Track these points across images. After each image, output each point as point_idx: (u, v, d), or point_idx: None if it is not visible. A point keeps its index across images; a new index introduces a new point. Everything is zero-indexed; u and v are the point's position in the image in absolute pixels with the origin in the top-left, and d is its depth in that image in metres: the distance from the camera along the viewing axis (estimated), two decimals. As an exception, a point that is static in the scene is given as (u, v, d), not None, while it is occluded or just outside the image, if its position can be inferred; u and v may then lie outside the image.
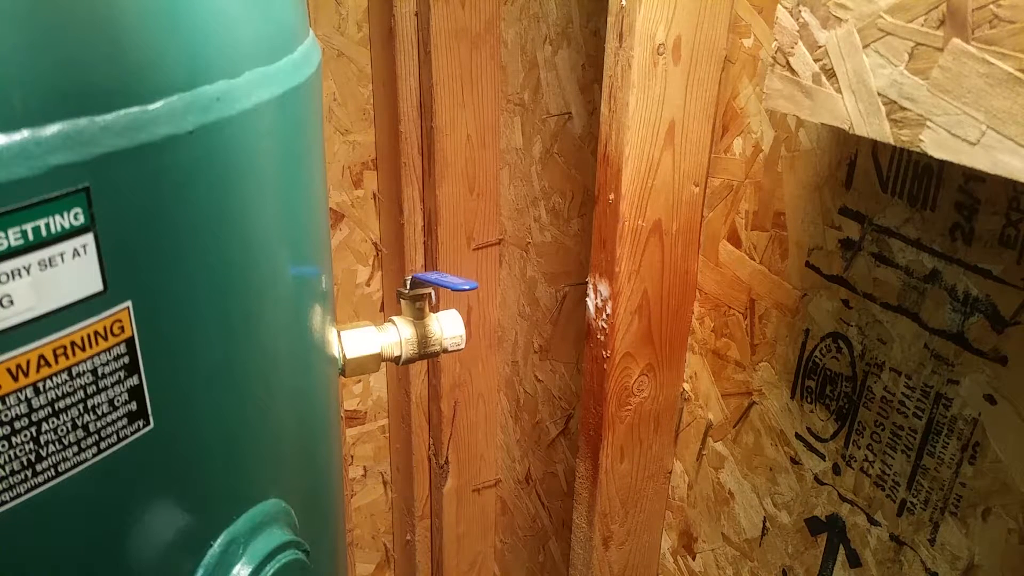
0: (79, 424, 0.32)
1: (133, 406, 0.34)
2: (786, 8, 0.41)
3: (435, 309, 0.61)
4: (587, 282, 0.69)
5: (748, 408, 0.67)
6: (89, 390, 0.32)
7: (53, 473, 0.32)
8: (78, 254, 0.30)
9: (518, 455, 1.10)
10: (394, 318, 0.60)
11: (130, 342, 0.33)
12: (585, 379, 0.73)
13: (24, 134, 0.28)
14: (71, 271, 0.30)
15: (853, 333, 0.56)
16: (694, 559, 0.77)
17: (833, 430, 0.59)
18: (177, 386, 0.36)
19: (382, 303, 1.19)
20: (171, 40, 0.32)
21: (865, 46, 0.37)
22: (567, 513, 1.00)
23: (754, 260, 0.64)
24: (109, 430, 0.34)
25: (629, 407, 0.72)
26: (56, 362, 0.31)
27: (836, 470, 0.60)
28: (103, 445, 0.33)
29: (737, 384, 0.68)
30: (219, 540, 0.40)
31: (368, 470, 1.27)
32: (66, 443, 0.32)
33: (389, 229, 1.11)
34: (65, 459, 0.32)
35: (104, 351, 0.32)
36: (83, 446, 0.33)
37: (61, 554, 0.34)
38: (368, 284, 1.17)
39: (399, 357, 0.59)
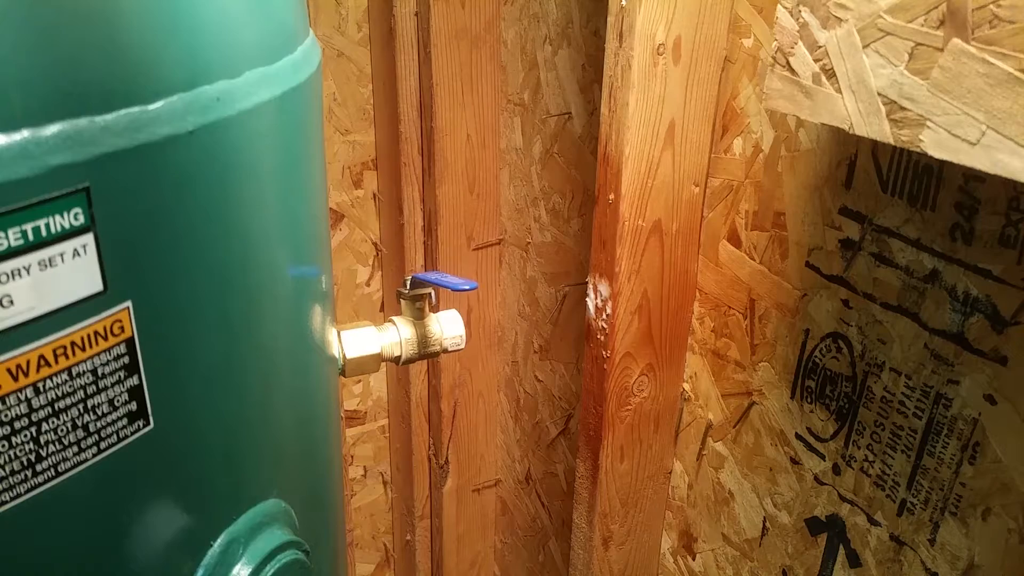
0: (79, 424, 0.32)
1: (133, 406, 0.34)
2: (786, 8, 0.41)
3: (435, 309, 0.61)
4: (587, 282, 0.69)
5: (748, 408, 0.67)
6: (89, 390, 0.32)
7: (53, 473, 0.32)
8: (78, 254, 0.30)
9: (518, 455, 1.10)
10: (394, 318, 0.60)
11: (130, 342, 0.33)
12: (585, 379, 0.73)
13: (24, 134, 0.28)
14: (71, 271, 0.30)
15: (853, 333, 0.56)
16: (694, 559, 0.77)
17: (833, 430, 0.59)
18: (177, 386, 0.36)
19: (382, 303, 1.19)
20: (171, 40, 0.32)
21: (865, 46, 0.37)
22: (567, 513, 1.00)
23: (754, 260, 0.64)
24: (109, 430, 0.34)
25: (629, 407, 0.72)
26: (56, 362, 0.31)
27: (836, 470, 0.60)
28: (103, 445, 0.33)
29: (737, 384, 0.68)
30: (219, 540, 0.40)
31: (368, 470, 1.27)
32: (66, 443, 0.32)
33: (389, 229, 1.11)
34: (65, 459, 0.32)
35: (104, 351, 0.32)
36: (83, 446, 0.33)
37: (61, 554, 0.34)
38: (368, 284, 1.17)
39: (399, 357, 0.59)
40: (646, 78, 0.60)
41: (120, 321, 0.32)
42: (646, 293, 0.68)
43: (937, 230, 0.49)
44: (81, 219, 0.30)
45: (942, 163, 0.48)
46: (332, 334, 0.53)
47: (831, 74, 0.39)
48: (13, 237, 0.28)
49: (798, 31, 0.40)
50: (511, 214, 1.00)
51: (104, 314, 0.32)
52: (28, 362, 0.30)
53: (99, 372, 0.32)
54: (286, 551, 0.43)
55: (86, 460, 0.33)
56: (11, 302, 0.29)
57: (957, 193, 0.48)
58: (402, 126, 0.99)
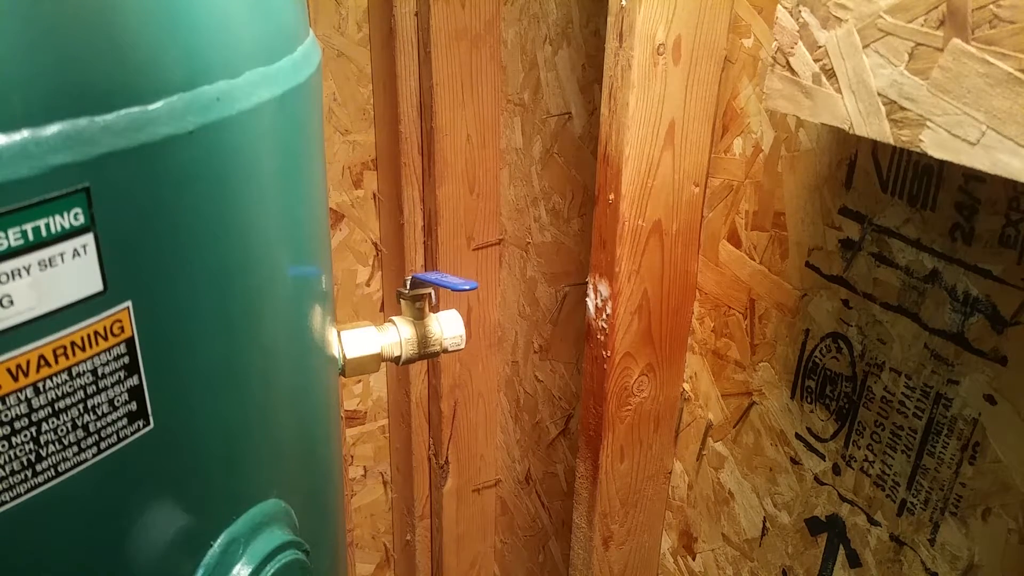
0: (79, 424, 0.32)
1: (133, 406, 0.34)
2: (786, 8, 0.41)
3: (435, 309, 0.61)
4: (587, 282, 0.69)
5: (748, 408, 0.67)
6: (89, 390, 0.32)
7: (53, 473, 0.32)
8: (78, 254, 0.30)
9: (518, 455, 1.10)
10: (394, 318, 0.60)
11: (130, 342, 0.33)
12: (585, 379, 0.73)
13: (24, 134, 0.28)
14: (71, 271, 0.30)
15: (853, 333, 0.56)
16: (694, 559, 0.77)
17: (833, 430, 0.59)
18: (177, 386, 0.36)
19: (382, 303, 1.19)
20: (171, 40, 0.32)
21: (865, 46, 0.37)
22: (567, 513, 1.00)
23: (754, 260, 0.64)
24: (109, 430, 0.34)
25: (629, 407, 0.72)
26: (56, 362, 0.31)
27: (836, 470, 0.60)
28: (103, 445, 0.33)
29: (737, 384, 0.68)
30: (219, 540, 0.40)
31: (368, 470, 1.27)
32: (66, 443, 0.32)
33: (389, 229, 1.11)
34: (65, 459, 0.32)
35: (104, 351, 0.32)
36: (83, 446, 0.33)
37: (61, 554, 0.34)
38: (368, 284, 1.17)
39: (399, 357, 0.59)
40: (646, 78, 0.60)
41: (120, 321, 0.32)
42: (646, 293, 0.68)
43: (937, 230, 0.49)
44: (81, 219, 0.30)
45: (942, 163, 0.48)
46: (332, 334, 0.53)
47: (831, 74, 0.39)
48: (13, 237, 0.28)
49: (798, 31, 0.40)
50: (511, 214, 1.00)
51: (104, 314, 0.32)
52: (28, 362, 0.30)
53: (99, 372, 0.32)
54: (286, 551, 0.43)
55: (86, 460, 0.33)
56: (11, 302, 0.29)
57: (957, 193, 0.48)
58: (402, 126, 0.99)
